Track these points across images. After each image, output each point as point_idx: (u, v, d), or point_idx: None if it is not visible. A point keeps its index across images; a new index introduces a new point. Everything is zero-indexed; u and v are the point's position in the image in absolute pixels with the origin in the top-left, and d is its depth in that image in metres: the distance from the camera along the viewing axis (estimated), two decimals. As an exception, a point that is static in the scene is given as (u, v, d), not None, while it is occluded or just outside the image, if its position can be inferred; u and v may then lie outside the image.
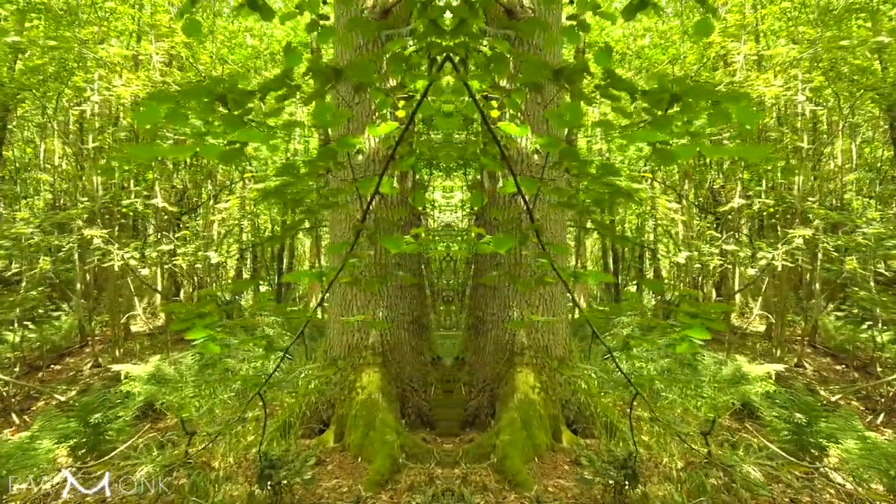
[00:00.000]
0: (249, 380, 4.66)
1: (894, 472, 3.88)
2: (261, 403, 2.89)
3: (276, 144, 8.56)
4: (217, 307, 8.00)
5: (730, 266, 7.76)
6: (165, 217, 7.91)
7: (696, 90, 1.60)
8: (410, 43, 2.32)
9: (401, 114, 2.72)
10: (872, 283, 6.71)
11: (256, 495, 3.66)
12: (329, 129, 6.43)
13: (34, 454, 4.18)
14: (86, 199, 7.37)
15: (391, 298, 5.11)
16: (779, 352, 6.98)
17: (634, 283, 10.80)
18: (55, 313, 7.86)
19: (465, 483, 3.85)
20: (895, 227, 6.88)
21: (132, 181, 7.93)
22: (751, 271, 7.63)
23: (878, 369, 6.24)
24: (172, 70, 7.93)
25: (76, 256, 7.31)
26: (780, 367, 6.32)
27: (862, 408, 5.69)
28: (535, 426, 4.44)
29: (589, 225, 8.22)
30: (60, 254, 7.41)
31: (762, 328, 8.21)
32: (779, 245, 6.93)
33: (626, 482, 3.61)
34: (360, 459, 4.26)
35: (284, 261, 10.93)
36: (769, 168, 7.47)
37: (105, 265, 7.21)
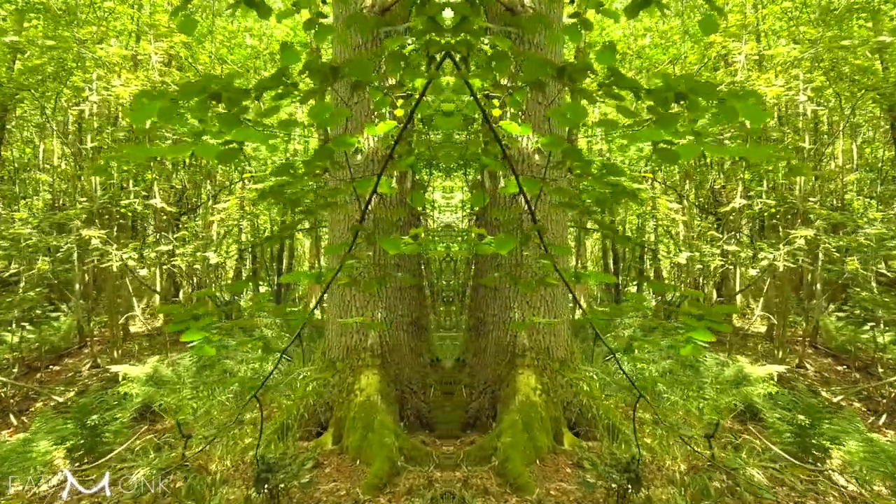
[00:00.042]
0: (247, 381, 4.62)
1: (898, 474, 3.85)
2: (258, 405, 2.86)
3: (276, 144, 8.53)
4: (215, 308, 7.99)
5: (731, 266, 7.74)
6: (164, 217, 7.88)
7: (702, 88, 1.57)
8: (409, 41, 2.29)
9: (399, 113, 2.69)
10: (874, 284, 6.69)
11: (253, 499, 3.62)
12: (328, 129, 6.40)
13: (31, 456, 4.15)
14: (84, 199, 7.34)
15: (390, 299, 5.08)
16: (780, 353, 6.95)
17: (635, 283, 10.77)
18: (54, 314, 7.83)
19: (466, 486, 3.82)
20: (896, 227, 6.86)
21: (131, 181, 7.90)
22: (752, 272, 7.60)
23: (880, 370, 6.22)
24: (171, 70, 7.90)
25: (75, 257, 7.28)
26: (782, 368, 6.29)
27: (864, 409, 5.67)
28: (537, 428, 4.41)
29: (591, 225, 8.20)
30: (59, 254, 7.39)
31: (763, 329, 8.18)
32: (780, 245, 6.90)
33: (630, 486, 3.58)
34: (358, 462, 4.22)
35: (284, 261, 10.90)
36: (770, 168, 7.44)
37: (104, 266, 7.18)
